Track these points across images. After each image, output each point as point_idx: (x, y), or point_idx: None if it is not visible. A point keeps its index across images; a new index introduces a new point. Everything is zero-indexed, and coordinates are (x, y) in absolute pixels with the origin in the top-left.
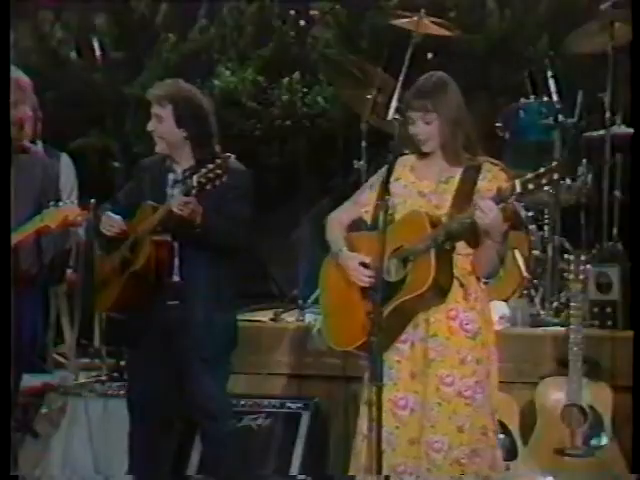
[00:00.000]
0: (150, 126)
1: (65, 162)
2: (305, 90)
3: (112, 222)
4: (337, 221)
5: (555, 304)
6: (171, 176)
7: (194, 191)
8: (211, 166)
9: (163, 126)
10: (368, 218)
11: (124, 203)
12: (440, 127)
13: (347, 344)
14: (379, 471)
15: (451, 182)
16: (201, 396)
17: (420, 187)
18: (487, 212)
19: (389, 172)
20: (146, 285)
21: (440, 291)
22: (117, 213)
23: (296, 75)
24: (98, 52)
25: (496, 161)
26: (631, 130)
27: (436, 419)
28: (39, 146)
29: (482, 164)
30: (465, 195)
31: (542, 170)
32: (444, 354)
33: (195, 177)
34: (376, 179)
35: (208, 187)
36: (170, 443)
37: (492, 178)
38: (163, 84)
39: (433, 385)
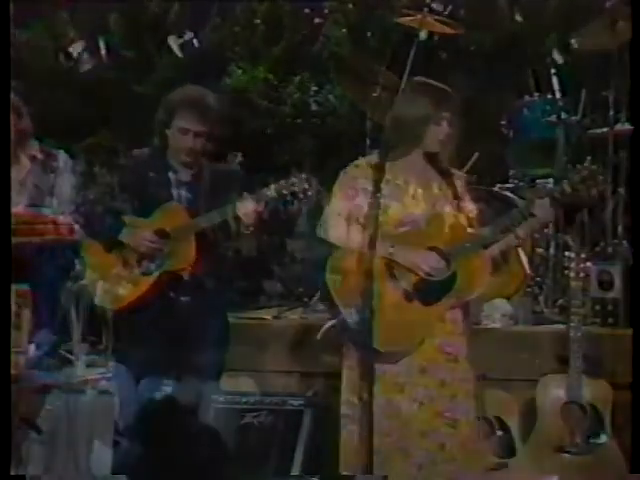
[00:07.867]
0: (183, 141)
1: (63, 160)
2: (316, 88)
3: (147, 237)
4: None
5: (559, 302)
6: (172, 175)
7: (266, 201)
8: (295, 180)
9: (191, 136)
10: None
11: (124, 199)
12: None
13: (405, 343)
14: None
15: (443, 188)
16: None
17: (410, 190)
18: (548, 209)
19: (381, 167)
20: (174, 284)
21: None
22: (119, 212)
23: (307, 73)
24: (109, 51)
25: None
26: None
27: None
28: (35, 146)
29: (449, 168)
30: (458, 199)
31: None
32: (459, 348)
33: (274, 187)
34: (360, 186)
35: (288, 199)
36: None
37: (462, 184)
38: (179, 94)
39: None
